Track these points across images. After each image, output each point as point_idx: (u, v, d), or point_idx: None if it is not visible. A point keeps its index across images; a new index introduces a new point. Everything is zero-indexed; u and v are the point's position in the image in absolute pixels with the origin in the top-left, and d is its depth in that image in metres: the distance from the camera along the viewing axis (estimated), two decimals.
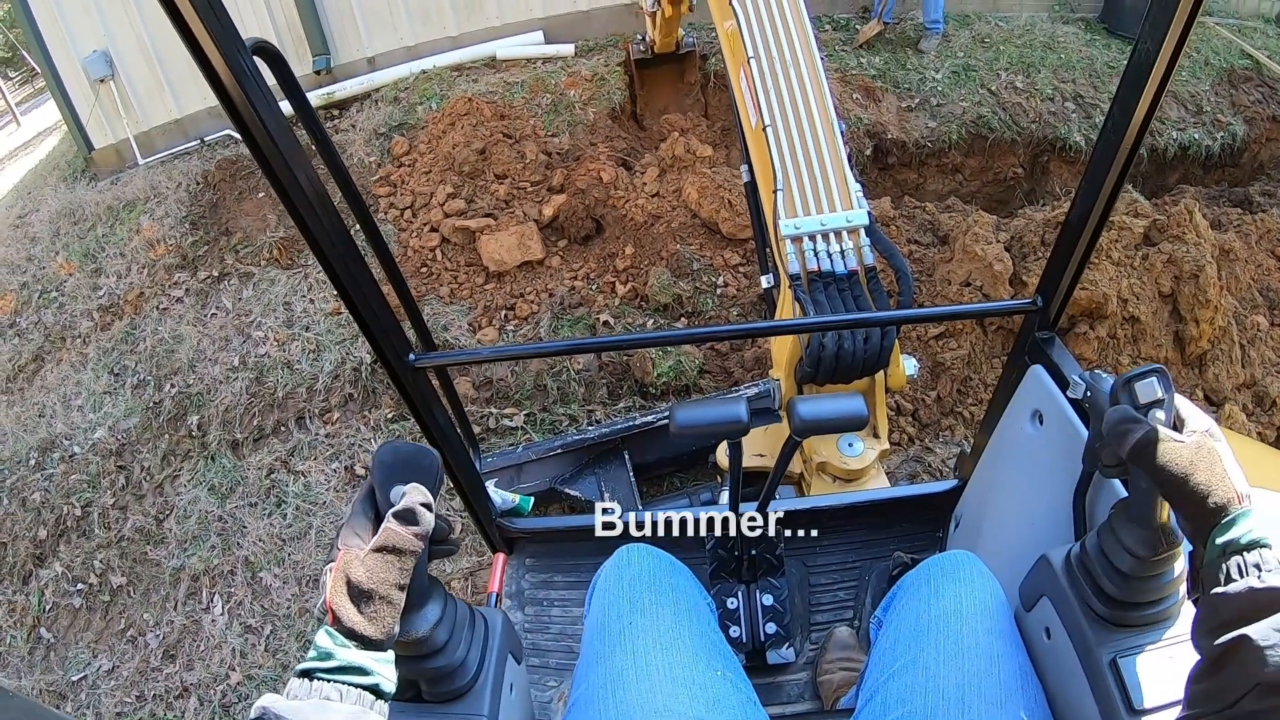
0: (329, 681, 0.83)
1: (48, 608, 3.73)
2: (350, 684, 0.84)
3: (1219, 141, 5.73)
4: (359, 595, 0.88)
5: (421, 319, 1.62)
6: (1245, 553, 0.82)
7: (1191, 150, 5.69)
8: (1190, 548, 0.92)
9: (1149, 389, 0.96)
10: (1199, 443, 0.91)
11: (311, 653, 0.85)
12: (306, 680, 0.83)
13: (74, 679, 3.43)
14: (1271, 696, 0.71)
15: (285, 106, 1.17)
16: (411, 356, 1.40)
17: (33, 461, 4.23)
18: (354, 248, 1.21)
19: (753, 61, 2.22)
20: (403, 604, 0.92)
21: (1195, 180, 5.81)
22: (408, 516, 0.93)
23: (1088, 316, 3.78)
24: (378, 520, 0.95)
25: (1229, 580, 0.81)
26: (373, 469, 0.98)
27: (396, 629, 0.91)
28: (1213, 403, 3.84)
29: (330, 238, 1.16)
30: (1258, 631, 0.73)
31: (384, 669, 0.88)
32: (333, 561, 0.91)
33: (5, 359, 4.98)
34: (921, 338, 3.94)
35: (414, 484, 0.96)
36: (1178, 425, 0.95)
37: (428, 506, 0.95)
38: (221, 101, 0.95)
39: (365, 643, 0.87)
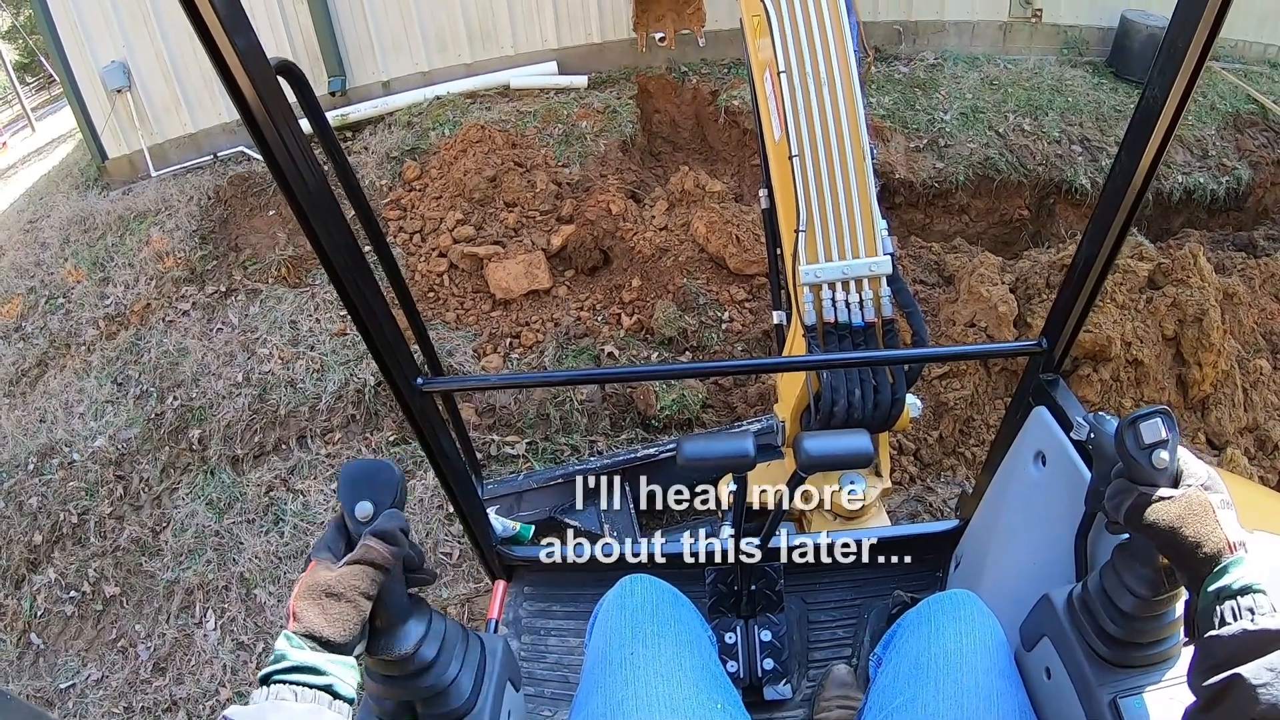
0: (285, 683, 0.85)
1: (39, 614, 3.71)
2: (304, 684, 0.85)
3: (1224, 186, 5.76)
4: (323, 597, 0.90)
5: (430, 343, 1.62)
6: (1239, 597, 0.84)
7: (1196, 194, 5.72)
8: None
9: (1153, 429, 0.97)
10: (1189, 497, 0.94)
11: (270, 658, 0.87)
12: (265, 686, 0.85)
13: (62, 686, 3.41)
14: None
15: (304, 125, 1.18)
16: (419, 381, 1.40)
17: (31, 466, 4.23)
18: (367, 269, 1.22)
19: (784, 76, 2.04)
20: (368, 610, 0.94)
21: (1200, 224, 5.83)
22: (385, 535, 0.97)
23: (1091, 359, 3.79)
24: (348, 541, 1.00)
25: (1223, 623, 0.83)
26: (339, 489, 1.01)
27: (358, 633, 0.93)
28: (1214, 446, 3.83)
29: (344, 258, 1.16)
30: (1250, 671, 0.75)
31: (341, 671, 0.88)
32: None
33: (9, 363, 4.99)
34: (925, 378, 3.94)
35: (391, 510, 1.00)
36: (1178, 477, 0.98)
37: (404, 531, 1.00)
38: (243, 118, 0.96)
39: (325, 645, 0.88)
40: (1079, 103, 6.13)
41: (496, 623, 1.87)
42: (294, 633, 0.88)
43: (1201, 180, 5.72)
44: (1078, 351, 3.78)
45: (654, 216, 4.73)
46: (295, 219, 1.10)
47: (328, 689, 0.86)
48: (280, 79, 1.01)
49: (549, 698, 1.87)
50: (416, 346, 1.57)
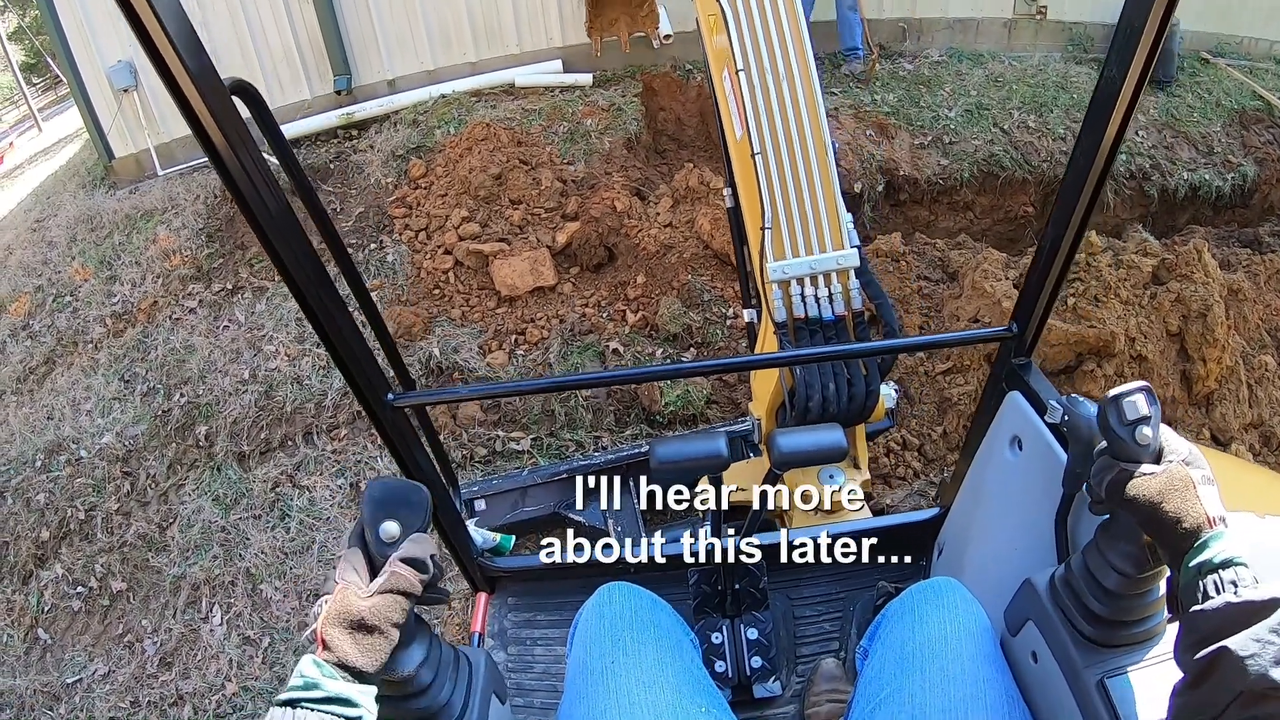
0: (314, 711, 0.84)
1: (46, 609, 3.74)
2: (336, 714, 0.85)
3: (1229, 182, 5.75)
4: (356, 627, 0.90)
5: (399, 357, 1.62)
6: (1220, 571, 0.84)
7: (1202, 191, 5.71)
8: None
9: (1135, 406, 0.97)
10: (1170, 472, 0.94)
11: (296, 681, 0.87)
12: (290, 709, 0.84)
13: (69, 681, 3.44)
14: (1256, 705, 0.73)
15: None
16: (390, 396, 1.40)
17: (39, 463, 4.26)
18: (331, 286, 1.22)
19: (742, 74, 2.05)
20: (397, 640, 0.95)
21: (1205, 220, 5.81)
22: (416, 564, 0.97)
23: (1095, 354, 3.77)
24: (370, 560, 0.99)
25: (1206, 598, 0.83)
26: (363, 505, 1.01)
27: (386, 661, 0.94)
28: (1219, 442, 3.82)
29: (307, 275, 1.17)
30: (1237, 643, 0.75)
31: (369, 703, 0.90)
32: (327, 594, 0.94)
33: (17, 360, 5.03)
34: (929, 374, 3.94)
35: (419, 533, 1.00)
36: (1160, 453, 0.98)
37: (433, 558, 1.00)
38: (199, 140, 0.95)
39: (354, 674, 0.89)
40: (1083, 99, 6.08)
41: (480, 636, 1.87)
42: (325, 661, 0.88)
43: (1207, 177, 5.71)
44: (1082, 347, 3.76)
45: (659, 213, 4.73)
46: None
47: None
48: (236, 99, 1.01)
49: (538, 708, 1.87)
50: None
